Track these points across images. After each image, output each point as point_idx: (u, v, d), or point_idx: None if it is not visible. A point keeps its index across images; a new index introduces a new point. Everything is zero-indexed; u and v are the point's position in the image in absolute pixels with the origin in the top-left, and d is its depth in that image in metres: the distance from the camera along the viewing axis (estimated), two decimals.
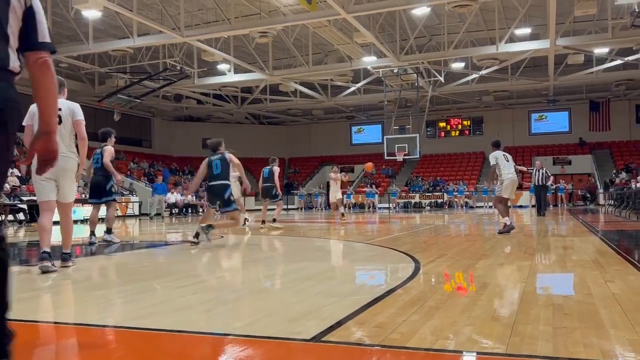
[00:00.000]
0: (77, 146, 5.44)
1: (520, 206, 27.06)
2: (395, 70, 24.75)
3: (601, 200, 28.43)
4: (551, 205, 28.14)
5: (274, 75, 25.58)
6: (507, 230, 8.88)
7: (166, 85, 25.59)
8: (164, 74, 24.12)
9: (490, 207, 25.88)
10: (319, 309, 3.22)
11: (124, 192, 24.23)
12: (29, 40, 1.93)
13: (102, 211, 9.14)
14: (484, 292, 3.70)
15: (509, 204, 10.02)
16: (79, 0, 16.49)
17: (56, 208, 5.22)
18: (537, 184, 16.26)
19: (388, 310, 3.13)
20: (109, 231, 8.57)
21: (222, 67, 25.25)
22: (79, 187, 5.93)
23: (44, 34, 1.97)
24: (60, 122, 4.96)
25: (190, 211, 25.59)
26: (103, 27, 21.52)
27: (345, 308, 3.18)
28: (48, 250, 5.02)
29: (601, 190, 29.42)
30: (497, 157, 9.16)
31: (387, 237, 9.46)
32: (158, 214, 23.37)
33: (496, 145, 9.38)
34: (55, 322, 3.17)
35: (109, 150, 8.30)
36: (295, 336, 2.57)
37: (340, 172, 17.37)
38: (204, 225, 7.63)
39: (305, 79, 27.43)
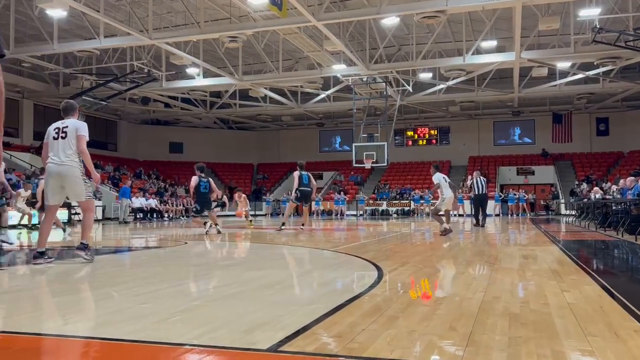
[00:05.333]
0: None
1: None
2: (365, 79, 24.93)
3: (563, 210, 29.15)
4: (514, 215, 28.72)
5: (243, 81, 25.46)
6: (446, 233, 11.00)
7: (133, 88, 25.21)
8: (131, 76, 23.76)
9: (455, 215, 26.29)
10: (277, 318, 3.18)
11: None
12: None
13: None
14: (443, 301, 3.73)
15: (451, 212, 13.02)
16: None
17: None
18: (477, 193, 15.90)
19: (347, 319, 3.12)
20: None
21: (191, 70, 25.01)
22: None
23: None
24: (66, 136, 6.06)
25: (155, 216, 25.20)
26: (68, 27, 21.10)
27: (304, 317, 3.15)
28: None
29: (562, 201, 30.16)
30: (439, 179, 11.34)
31: (353, 244, 9.48)
32: (116, 218, 23.00)
33: (437, 168, 11.66)
34: (4, 332, 3.05)
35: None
36: (251, 346, 2.53)
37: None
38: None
39: (275, 85, 27.39)
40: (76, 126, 6.14)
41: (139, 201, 24.99)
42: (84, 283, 5.14)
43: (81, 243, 6.16)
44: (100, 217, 23.84)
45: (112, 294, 4.36)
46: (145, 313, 3.40)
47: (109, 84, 24.36)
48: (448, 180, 11.90)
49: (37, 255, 5.99)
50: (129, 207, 23.83)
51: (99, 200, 24.71)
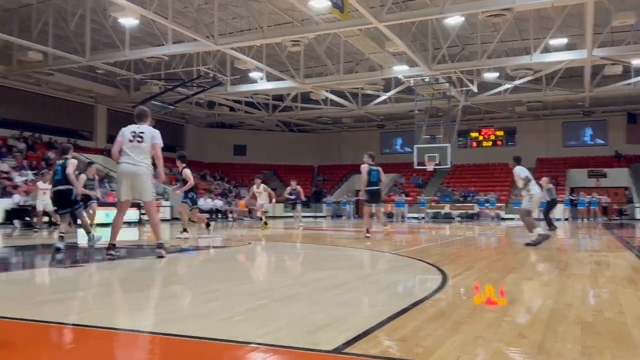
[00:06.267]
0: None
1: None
2: (427, 80, 24.57)
3: (638, 215, 27.64)
4: (585, 219, 27.51)
5: (305, 84, 25.69)
6: (536, 242, 8.67)
7: (199, 92, 25.96)
8: (198, 81, 24.49)
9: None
10: (341, 319, 3.18)
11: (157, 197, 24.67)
12: None
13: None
14: (511, 307, 3.61)
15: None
16: (116, 9, 16.93)
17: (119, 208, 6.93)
18: (549, 198, 15.56)
19: (412, 323, 3.08)
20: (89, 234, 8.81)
21: (254, 74, 25.48)
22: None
23: None
24: (142, 141, 6.55)
25: (218, 216, 25.80)
26: (139, 35, 21.98)
27: (368, 320, 3.14)
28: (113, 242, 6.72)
29: (637, 205, 28.59)
30: (526, 172, 9.12)
31: (415, 247, 9.36)
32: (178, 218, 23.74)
33: (518, 161, 9.34)
34: (78, 325, 3.21)
35: (73, 162, 8.59)
36: (315, 347, 2.54)
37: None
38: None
39: (336, 88, 27.47)
40: (152, 134, 6.68)
41: (205, 202, 25.69)
42: (152, 280, 5.33)
43: (158, 243, 6.83)
44: (168, 217, 24.67)
45: (179, 292, 4.51)
46: (210, 311, 3.49)
47: (176, 88, 25.20)
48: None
49: (110, 247, 6.64)
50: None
51: (167, 200, 25.61)
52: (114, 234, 6.77)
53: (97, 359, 2.58)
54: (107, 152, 28.24)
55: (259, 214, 15.84)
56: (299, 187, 17.70)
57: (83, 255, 8.01)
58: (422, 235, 13.85)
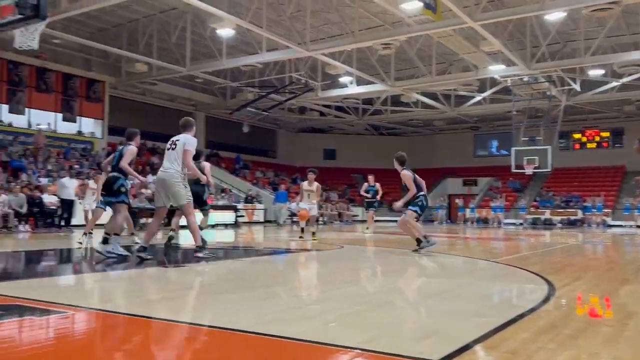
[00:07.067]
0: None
1: None
2: (525, 79, 23.49)
3: None
4: None
5: (395, 86, 25.46)
6: None
7: (292, 98, 26.49)
8: (290, 87, 25.01)
9: (631, 226, 23.66)
10: (444, 328, 3.10)
11: (251, 200, 25.59)
12: None
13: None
14: (630, 322, 3.35)
15: None
16: (214, 20, 17.72)
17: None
18: None
19: (520, 335, 2.94)
20: (105, 240, 7.09)
21: (344, 79, 25.61)
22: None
23: None
24: (175, 148, 6.64)
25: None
26: (235, 44, 22.82)
27: (473, 330, 3.03)
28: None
29: None
30: None
31: (515, 255, 8.97)
32: (274, 221, 24.36)
33: None
34: (186, 323, 3.36)
35: (131, 150, 7.46)
36: (421, 356, 2.49)
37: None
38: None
39: (428, 89, 26.98)
40: (185, 141, 6.67)
41: (297, 206, 26.14)
42: (249, 282, 5.47)
43: (196, 246, 6.70)
44: (261, 219, 25.37)
45: (279, 294, 4.59)
46: (313, 314, 3.53)
47: (269, 95, 25.89)
48: None
49: (141, 249, 6.64)
50: (288, 210, 25.09)
51: (260, 203, 26.38)
52: (147, 238, 6.72)
53: (205, 357, 2.68)
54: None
55: (301, 222, 11.87)
56: (377, 185, 16.01)
57: (182, 256, 8.38)
58: (521, 243, 13.25)
